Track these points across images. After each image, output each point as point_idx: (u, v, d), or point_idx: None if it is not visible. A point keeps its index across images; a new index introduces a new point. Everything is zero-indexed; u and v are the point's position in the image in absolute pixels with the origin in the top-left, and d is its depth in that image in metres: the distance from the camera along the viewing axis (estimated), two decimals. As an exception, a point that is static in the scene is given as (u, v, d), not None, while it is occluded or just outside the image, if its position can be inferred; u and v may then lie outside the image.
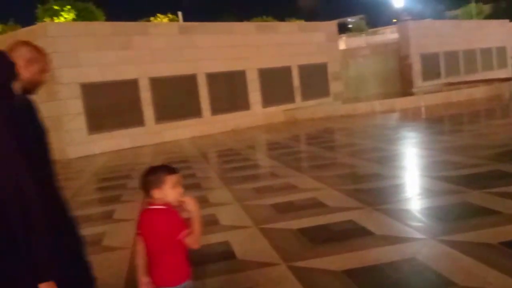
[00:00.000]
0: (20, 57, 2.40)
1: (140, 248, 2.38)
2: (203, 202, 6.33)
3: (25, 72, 2.41)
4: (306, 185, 6.66)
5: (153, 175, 2.25)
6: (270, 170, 8.46)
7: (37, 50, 2.54)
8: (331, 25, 23.42)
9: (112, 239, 5.08)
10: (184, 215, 2.29)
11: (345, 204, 5.39)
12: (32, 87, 2.49)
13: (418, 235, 4.13)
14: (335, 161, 8.97)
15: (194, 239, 2.26)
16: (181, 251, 2.30)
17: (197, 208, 2.29)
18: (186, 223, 2.27)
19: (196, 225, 2.26)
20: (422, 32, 26.19)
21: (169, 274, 2.29)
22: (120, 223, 5.75)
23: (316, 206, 5.43)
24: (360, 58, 25.77)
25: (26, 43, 2.49)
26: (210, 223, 5.25)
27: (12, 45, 2.38)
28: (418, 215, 4.80)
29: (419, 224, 4.49)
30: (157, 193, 2.23)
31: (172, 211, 2.28)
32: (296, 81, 20.51)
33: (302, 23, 23.04)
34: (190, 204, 2.28)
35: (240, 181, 7.60)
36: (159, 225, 2.25)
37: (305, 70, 20.70)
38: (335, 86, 21.96)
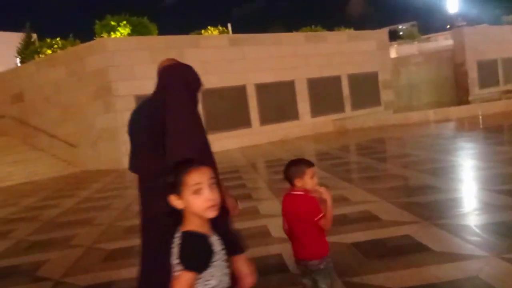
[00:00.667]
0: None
1: (285, 228, 2.87)
2: (254, 213, 6.36)
3: None
4: (358, 197, 6.54)
5: (296, 166, 2.66)
6: (321, 181, 8.31)
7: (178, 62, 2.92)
8: (382, 33, 23.02)
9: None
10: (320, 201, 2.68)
11: (400, 218, 5.24)
12: None
13: (479, 252, 3.94)
14: (388, 172, 8.75)
15: (327, 222, 2.66)
16: (318, 230, 2.70)
17: (330, 196, 2.67)
18: (321, 208, 2.65)
19: (329, 210, 2.65)
20: (478, 38, 25.20)
21: (308, 249, 2.70)
22: (174, 232, 5.86)
23: (370, 219, 5.32)
24: (412, 66, 25.12)
25: (172, 59, 2.86)
26: (262, 234, 5.26)
27: (161, 62, 2.78)
28: (478, 230, 4.58)
29: (480, 240, 4.29)
30: (298, 182, 2.66)
31: (311, 196, 2.69)
32: (345, 90, 20.28)
33: (351, 31, 22.79)
34: (324, 193, 2.65)
35: (291, 192, 7.57)
36: (299, 207, 2.69)
37: (355, 79, 20.42)
38: (386, 95, 21.51)
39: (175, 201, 1.75)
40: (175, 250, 1.74)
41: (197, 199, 1.72)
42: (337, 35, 21.49)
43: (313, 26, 33.03)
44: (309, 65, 19.32)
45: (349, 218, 5.50)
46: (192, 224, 1.74)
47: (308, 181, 2.64)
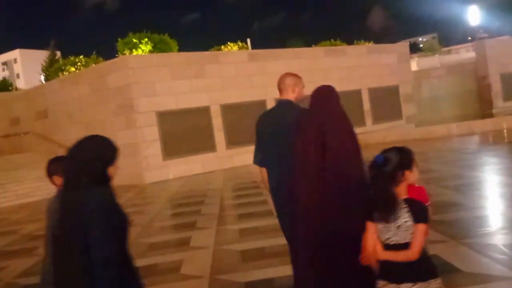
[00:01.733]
0: (289, 85, 3.76)
1: None
2: (276, 230, 6.31)
3: (293, 93, 3.75)
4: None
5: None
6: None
7: (298, 77, 3.91)
8: (403, 46, 22.90)
9: (190, 267, 5.17)
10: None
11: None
12: (298, 101, 3.71)
13: (509, 273, 3.83)
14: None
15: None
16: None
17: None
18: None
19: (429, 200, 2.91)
20: (501, 50, 24.83)
21: None
22: (198, 250, 5.86)
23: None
24: (434, 79, 24.86)
25: (289, 75, 3.80)
26: (285, 253, 5.21)
27: (281, 76, 3.70)
28: (507, 250, 4.46)
29: (509, 260, 4.17)
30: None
31: (421, 187, 2.92)
32: (366, 104, 20.16)
33: (371, 45, 22.75)
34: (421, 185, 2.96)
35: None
36: (416, 196, 2.77)
37: (375, 93, 20.30)
38: (407, 109, 21.31)
39: (410, 175, 2.47)
40: (404, 213, 2.38)
41: (416, 171, 2.51)
42: (357, 49, 21.46)
43: (332, 40, 33.11)
44: (329, 79, 19.23)
45: (373, 237, 5.40)
46: (405, 194, 2.46)
47: (416, 173, 2.61)
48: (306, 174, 2.92)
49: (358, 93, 20.03)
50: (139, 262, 5.59)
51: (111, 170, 2.35)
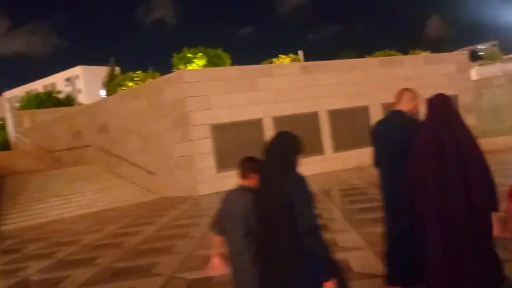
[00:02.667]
0: (406, 98, 4.18)
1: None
2: (331, 245, 6.18)
3: (407, 106, 4.15)
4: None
5: None
6: (401, 212, 7.99)
7: (414, 92, 4.25)
8: (462, 55, 22.04)
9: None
10: None
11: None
12: (413, 114, 4.14)
13: None
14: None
15: None
16: None
17: None
18: None
19: None
20: None
21: None
22: (252, 264, 5.82)
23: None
24: (496, 88, 23.69)
25: (407, 89, 4.24)
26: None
27: (398, 91, 4.20)
28: None
29: None
30: None
31: None
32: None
33: (428, 55, 22.05)
34: None
35: (369, 224, 7.31)
36: None
37: (433, 104, 19.61)
38: (467, 119, 20.32)
39: None
40: None
41: None
42: (414, 59, 20.88)
43: (387, 50, 32.45)
44: (384, 90, 18.85)
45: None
46: None
47: None
48: (444, 186, 3.35)
49: (414, 104, 19.43)
50: (195, 275, 5.67)
51: (299, 159, 2.95)
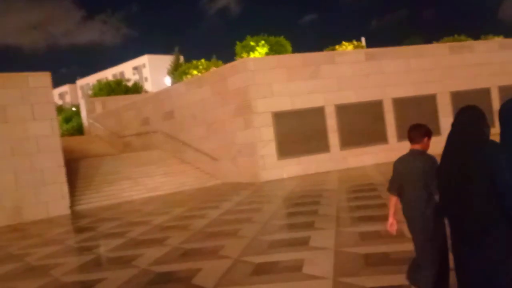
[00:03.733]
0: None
1: None
2: (399, 236, 6.10)
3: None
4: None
5: None
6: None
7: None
8: (541, 40, 20.58)
9: (312, 268, 5.22)
10: None
11: None
12: None
13: None
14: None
15: None
16: None
17: None
18: None
19: None
20: None
21: None
22: (318, 251, 5.89)
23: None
24: None
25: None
26: (409, 260, 5.01)
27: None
28: None
29: None
30: None
31: None
32: (496, 104, 18.48)
33: (503, 40, 20.77)
34: None
35: (438, 215, 7.12)
36: None
37: (508, 92, 18.51)
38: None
39: None
40: None
41: None
42: (487, 44, 19.77)
43: (456, 36, 30.93)
44: (454, 78, 18.08)
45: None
46: None
47: None
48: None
49: (486, 92, 18.46)
50: (261, 259, 5.82)
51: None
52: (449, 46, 19.29)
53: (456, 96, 17.98)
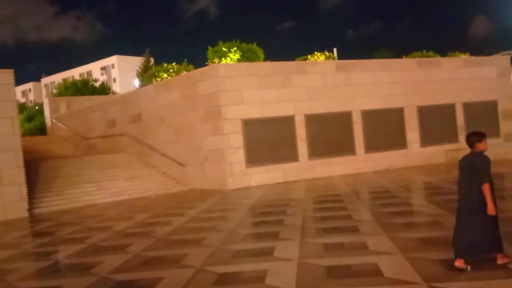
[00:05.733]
0: None
1: None
2: (362, 248, 6.12)
3: None
4: (479, 240, 5.97)
5: None
6: (434, 218, 7.84)
7: None
8: (503, 59, 21.37)
9: (275, 279, 5.14)
10: None
11: (532, 269, 4.67)
12: None
13: None
14: (510, 214, 7.91)
15: None
16: None
17: None
18: None
19: None
20: None
21: None
22: (282, 262, 5.82)
23: (490, 268, 4.81)
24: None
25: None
26: (372, 273, 5.02)
27: None
28: None
29: None
30: None
31: None
32: (460, 119, 19.03)
33: (468, 57, 21.46)
34: None
35: (401, 228, 7.20)
36: None
37: (471, 108, 19.11)
38: (506, 126, 19.79)
39: None
40: None
41: None
42: (452, 61, 20.36)
43: (424, 51, 31.76)
44: (421, 92, 18.50)
45: (471, 264, 5.02)
46: None
47: None
48: None
49: (451, 107, 18.97)
50: (224, 269, 5.71)
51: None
52: (417, 61, 19.75)
53: (422, 110, 18.40)
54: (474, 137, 4.97)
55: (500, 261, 4.86)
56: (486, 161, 4.83)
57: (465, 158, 5.03)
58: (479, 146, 4.94)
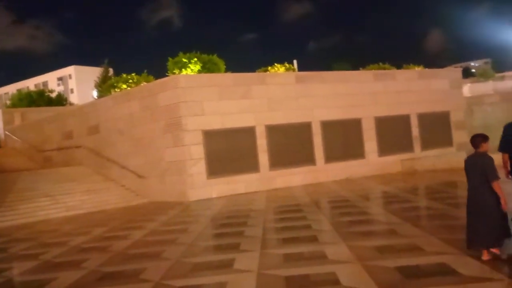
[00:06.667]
0: None
1: None
2: (321, 257, 6.19)
3: None
4: (432, 247, 6.17)
5: None
6: (390, 227, 8.02)
7: None
8: (455, 71, 22.33)
9: (234, 291, 5.11)
10: None
11: (481, 273, 4.86)
12: None
13: None
14: (463, 221, 8.16)
15: None
16: None
17: None
18: None
19: None
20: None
21: None
22: (242, 273, 5.80)
23: (447, 273, 4.98)
24: (487, 105, 23.96)
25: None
26: (330, 282, 5.08)
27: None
28: None
29: None
30: None
31: None
32: (415, 130, 19.67)
33: (422, 70, 22.26)
34: None
35: (359, 237, 7.32)
36: None
37: (425, 119, 19.80)
38: (458, 136, 20.60)
39: None
40: None
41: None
42: (407, 73, 21.07)
43: (380, 63, 32.66)
44: (377, 103, 19.02)
45: (424, 271, 5.19)
46: None
47: None
48: None
49: (406, 118, 19.60)
50: (183, 282, 5.63)
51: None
52: (373, 73, 20.34)
53: (379, 121, 18.90)
54: (480, 138, 5.40)
55: (485, 257, 5.28)
56: (492, 160, 5.31)
57: (470, 158, 5.50)
58: (484, 146, 5.39)
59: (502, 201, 5.20)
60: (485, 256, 5.26)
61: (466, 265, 5.18)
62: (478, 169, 5.32)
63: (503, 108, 23.77)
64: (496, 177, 5.19)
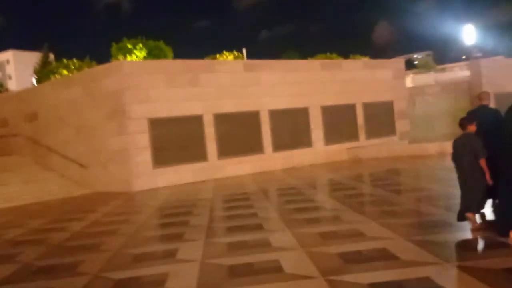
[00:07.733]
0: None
1: None
2: (265, 245, 6.16)
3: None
4: (374, 232, 6.29)
5: None
6: (334, 213, 8.14)
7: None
8: (399, 62, 22.98)
9: (176, 282, 4.97)
10: None
11: (419, 257, 4.99)
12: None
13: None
14: (404, 206, 8.48)
15: None
16: None
17: None
18: None
19: None
20: (495, 70, 24.97)
21: None
22: (184, 263, 5.66)
23: (387, 258, 5.08)
24: (429, 96, 24.91)
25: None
26: (273, 270, 5.05)
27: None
28: (508, 275, 4.31)
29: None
30: None
31: None
32: (360, 119, 20.12)
33: (367, 60, 22.80)
34: None
35: (304, 224, 7.36)
36: None
37: (370, 108, 20.29)
38: (401, 125, 21.29)
39: None
40: None
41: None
42: (353, 63, 21.48)
43: (328, 53, 33.22)
44: (324, 93, 19.26)
45: (365, 256, 5.27)
46: None
47: None
48: None
49: (352, 107, 19.99)
50: (122, 274, 5.42)
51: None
52: (321, 62, 20.55)
53: (326, 110, 19.16)
54: (466, 121, 6.03)
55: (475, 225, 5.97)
56: (480, 140, 5.85)
57: (458, 139, 6.08)
58: (470, 128, 5.96)
59: (487, 176, 5.76)
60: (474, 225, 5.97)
61: (405, 250, 5.30)
62: (467, 148, 5.84)
63: (444, 98, 24.80)
64: (485, 155, 5.72)
